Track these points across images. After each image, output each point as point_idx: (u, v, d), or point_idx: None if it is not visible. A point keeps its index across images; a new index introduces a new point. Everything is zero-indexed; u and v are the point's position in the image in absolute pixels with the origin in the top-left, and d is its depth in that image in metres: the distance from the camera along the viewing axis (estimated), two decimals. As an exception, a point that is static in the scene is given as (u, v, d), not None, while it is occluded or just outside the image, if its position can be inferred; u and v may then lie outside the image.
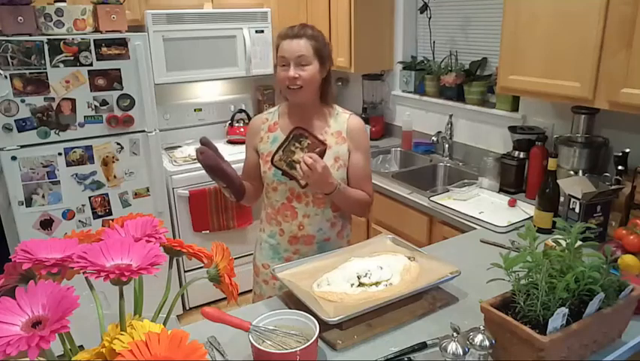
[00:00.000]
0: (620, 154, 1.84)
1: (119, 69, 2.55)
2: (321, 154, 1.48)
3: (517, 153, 2.27)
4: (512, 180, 2.27)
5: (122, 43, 2.54)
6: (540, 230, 1.78)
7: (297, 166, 1.46)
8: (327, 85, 1.63)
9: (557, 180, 1.80)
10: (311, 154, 1.44)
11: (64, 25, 2.43)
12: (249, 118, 3.44)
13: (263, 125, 1.67)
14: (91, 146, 2.57)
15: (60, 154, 2.50)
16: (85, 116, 2.52)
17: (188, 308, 3.17)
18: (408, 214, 2.36)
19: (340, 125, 1.65)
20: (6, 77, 2.31)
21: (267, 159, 1.60)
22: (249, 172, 1.71)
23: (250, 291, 1.85)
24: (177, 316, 3.10)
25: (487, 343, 1.03)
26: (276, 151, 1.54)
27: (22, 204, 2.45)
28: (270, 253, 1.71)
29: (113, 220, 0.83)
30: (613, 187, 1.76)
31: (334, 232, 1.69)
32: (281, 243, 1.68)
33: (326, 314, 1.17)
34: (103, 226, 2.60)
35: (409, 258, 1.44)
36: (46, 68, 2.38)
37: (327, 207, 1.64)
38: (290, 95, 1.58)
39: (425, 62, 3.05)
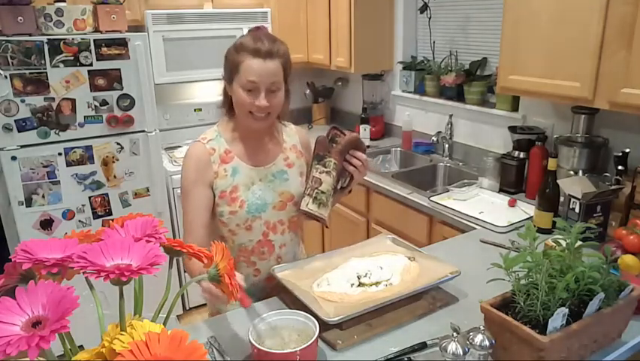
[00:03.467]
0: (620, 154, 1.84)
1: (119, 69, 2.55)
2: (358, 143, 1.42)
3: (517, 153, 2.27)
4: (512, 180, 2.26)
5: (122, 43, 2.54)
6: (540, 230, 1.77)
7: (324, 198, 1.37)
8: (287, 102, 1.44)
9: (557, 180, 1.80)
10: (355, 152, 1.40)
11: (64, 25, 2.43)
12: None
13: (212, 158, 1.40)
14: (91, 146, 2.57)
15: (60, 154, 2.50)
16: (85, 116, 2.52)
17: (188, 308, 3.17)
18: (408, 214, 2.36)
19: (293, 138, 1.54)
20: (6, 77, 2.31)
21: (234, 196, 1.40)
22: (200, 216, 1.39)
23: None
24: (177, 316, 3.10)
25: (487, 343, 1.03)
26: (304, 193, 1.40)
27: (22, 204, 2.45)
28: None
29: (113, 220, 0.83)
30: (613, 187, 1.76)
31: (300, 250, 1.64)
32: (257, 283, 1.49)
33: (326, 314, 1.17)
34: (103, 225, 2.60)
35: (409, 258, 1.44)
36: (46, 68, 2.38)
37: (300, 228, 1.56)
38: (253, 123, 1.37)
39: (425, 62, 3.05)
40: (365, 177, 1.51)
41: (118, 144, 2.64)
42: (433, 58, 3.00)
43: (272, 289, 1.48)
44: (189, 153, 1.42)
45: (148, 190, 2.78)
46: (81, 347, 0.68)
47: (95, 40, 2.46)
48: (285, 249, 1.52)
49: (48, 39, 2.36)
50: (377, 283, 1.32)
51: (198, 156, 1.40)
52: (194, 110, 3.49)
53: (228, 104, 1.44)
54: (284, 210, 1.47)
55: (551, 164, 1.79)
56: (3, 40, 2.27)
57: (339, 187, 1.45)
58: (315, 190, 1.38)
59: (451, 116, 2.78)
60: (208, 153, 1.40)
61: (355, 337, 1.20)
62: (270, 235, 1.46)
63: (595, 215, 1.71)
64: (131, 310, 0.73)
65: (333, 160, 1.40)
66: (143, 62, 2.59)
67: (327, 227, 1.50)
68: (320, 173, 1.39)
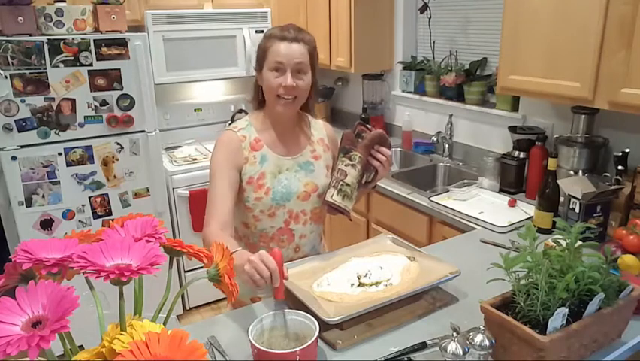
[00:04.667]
0: (620, 154, 1.84)
1: (119, 69, 2.55)
2: (384, 139, 1.44)
3: (517, 153, 2.27)
4: (512, 180, 2.26)
5: (122, 43, 2.54)
6: (540, 230, 1.77)
7: (348, 190, 1.40)
8: (314, 94, 1.51)
9: (557, 180, 1.80)
10: (380, 147, 1.42)
11: (64, 25, 2.43)
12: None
13: (242, 144, 1.46)
14: (91, 146, 2.57)
15: (60, 154, 2.50)
16: (85, 116, 2.52)
17: (188, 308, 3.17)
18: (408, 214, 2.36)
19: (319, 131, 1.59)
20: (6, 77, 2.31)
21: (261, 183, 1.44)
22: (225, 197, 1.41)
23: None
24: (177, 316, 3.10)
25: (487, 343, 1.03)
26: (330, 185, 1.43)
27: (22, 204, 2.45)
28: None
29: (113, 220, 0.83)
30: (613, 187, 1.76)
31: (320, 245, 1.66)
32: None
33: (326, 314, 1.17)
34: (103, 226, 2.60)
35: (409, 258, 1.44)
36: (46, 68, 2.38)
37: (321, 221, 1.59)
38: (281, 106, 1.42)
39: (425, 62, 3.05)
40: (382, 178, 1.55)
41: (118, 144, 2.64)
42: (433, 58, 3.00)
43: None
44: (220, 139, 1.48)
45: (148, 190, 2.78)
46: (81, 347, 0.68)
47: (95, 40, 2.46)
48: (305, 240, 1.55)
49: (48, 39, 2.36)
50: (377, 283, 1.32)
51: (229, 141, 1.46)
52: (194, 110, 3.49)
53: (258, 97, 1.51)
54: (307, 201, 1.50)
55: (551, 164, 1.79)
56: (3, 40, 2.27)
57: (363, 182, 1.47)
58: (340, 182, 1.42)
59: (451, 116, 2.77)
60: (239, 139, 1.46)
61: (355, 337, 1.20)
62: (291, 223, 1.50)
63: (595, 215, 1.71)
64: (131, 311, 0.73)
65: (358, 154, 1.42)
66: (143, 62, 2.59)
67: (350, 219, 1.55)
68: (345, 166, 1.42)
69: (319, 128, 1.60)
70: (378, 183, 2.49)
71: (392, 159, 1.49)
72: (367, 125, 1.45)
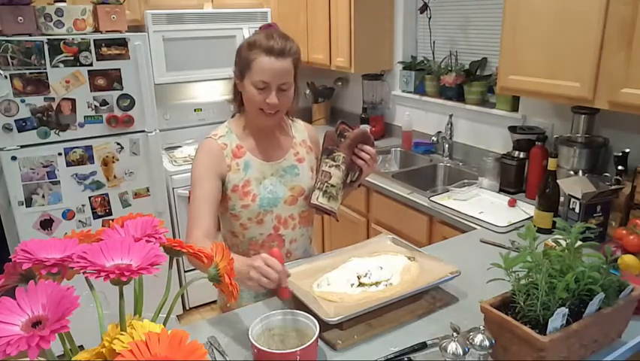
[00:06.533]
0: (620, 154, 1.84)
1: (119, 69, 2.55)
2: (367, 137, 1.43)
3: (517, 153, 2.27)
4: (512, 180, 2.26)
5: (122, 43, 2.54)
6: (540, 230, 1.77)
7: (334, 191, 1.39)
8: (295, 99, 1.47)
9: (557, 180, 1.80)
10: (363, 146, 1.41)
11: (64, 25, 2.43)
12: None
13: (224, 152, 1.43)
14: (91, 146, 2.57)
15: (60, 154, 2.50)
16: (85, 116, 2.52)
17: (188, 308, 3.17)
18: (408, 214, 2.36)
19: (301, 133, 1.57)
20: (6, 77, 2.31)
21: (246, 190, 1.42)
22: (207, 206, 1.38)
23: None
24: (177, 316, 3.10)
25: (487, 343, 1.03)
26: (314, 187, 1.42)
27: (22, 204, 2.45)
28: (251, 293, 1.48)
29: (113, 220, 0.83)
30: (613, 187, 1.76)
31: (311, 247, 1.64)
32: None
33: (326, 314, 1.17)
34: (103, 225, 2.60)
35: (409, 258, 1.44)
36: (46, 68, 2.38)
37: (311, 223, 1.58)
38: (263, 120, 1.41)
39: (425, 62, 3.05)
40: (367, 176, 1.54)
41: (118, 144, 2.64)
42: (433, 58, 3.00)
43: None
44: (201, 147, 1.45)
45: (148, 190, 2.77)
46: (81, 347, 0.68)
47: (95, 41, 2.46)
48: (296, 244, 1.54)
49: (48, 39, 2.36)
50: (377, 283, 1.31)
51: (210, 149, 1.43)
52: (194, 110, 3.49)
53: (238, 101, 1.48)
54: (295, 205, 1.49)
55: (551, 164, 1.79)
56: (3, 41, 2.27)
57: (348, 181, 1.46)
58: (325, 184, 1.41)
59: (451, 116, 2.78)
60: (220, 147, 1.43)
61: (355, 337, 1.20)
62: (280, 229, 1.49)
63: (595, 215, 1.71)
64: (131, 311, 0.73)
65: (342, 154, 1.41)
66: (143, 62, 2.59)
67: (337, 220, 1.54)
68: (329, 167, 1.42)
69: (301, 129, 1.58)
70: (378, 183, 2.51)
71: (376, 157, 1.47)
72: (349, 125, 1.45)
